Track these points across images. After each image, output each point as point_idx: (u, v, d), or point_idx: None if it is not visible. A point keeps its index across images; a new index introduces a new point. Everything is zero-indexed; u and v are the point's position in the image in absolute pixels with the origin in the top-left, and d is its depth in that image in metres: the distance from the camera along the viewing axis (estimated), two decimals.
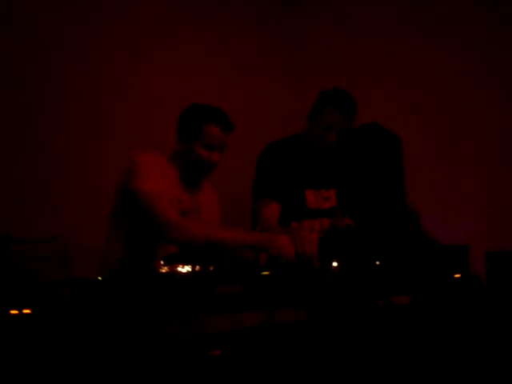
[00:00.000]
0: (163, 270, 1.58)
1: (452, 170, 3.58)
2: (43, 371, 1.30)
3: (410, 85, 3.74)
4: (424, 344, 1.80)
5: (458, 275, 2.23)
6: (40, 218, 2.85)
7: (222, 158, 2.36)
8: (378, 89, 3.79)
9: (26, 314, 1.41)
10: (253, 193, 2.67)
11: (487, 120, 3.54)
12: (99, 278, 1.60)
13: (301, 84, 3.99)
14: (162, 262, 1.60)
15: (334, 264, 1.98)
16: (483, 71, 3.56)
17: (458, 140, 3.60)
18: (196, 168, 2.32)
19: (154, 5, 3.47)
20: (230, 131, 2.32)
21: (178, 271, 1.57)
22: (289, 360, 1.43)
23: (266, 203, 2.59)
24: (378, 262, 2.11)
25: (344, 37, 3.99)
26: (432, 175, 3.59)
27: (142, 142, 3.05)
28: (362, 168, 3.39)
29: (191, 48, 3.56)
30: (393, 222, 3.35)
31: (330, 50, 4.03)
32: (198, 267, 1.61)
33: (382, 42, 3.85)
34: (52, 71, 3.05)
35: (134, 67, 3.31)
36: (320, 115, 2.62)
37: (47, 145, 2.99)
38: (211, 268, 1.62)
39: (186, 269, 1.58)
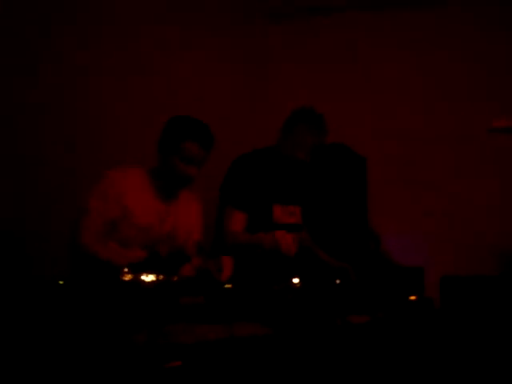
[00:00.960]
0: (127, 278, 1.58)
1: (413, 192, 3.67)
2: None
3: (375, 108, 3.82)
4: (379, 362, 1.83)
5: (413, 297, 2.28)
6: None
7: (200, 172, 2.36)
8: (341, 102, 3.85)
9: None
10: (220, 199, 2.68)
11: (444, 144, 3.65)
12: (60, 282, 1.58)
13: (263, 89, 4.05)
14: (125, 270, 1.59)
15: (296, 281, 2.01)
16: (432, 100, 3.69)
17: (419, 164, 3.69)
18: (172, 180, 2.32)
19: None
20: (210, 148, 2.31)
21: (141, 280, 1.57)
22: (248, 373, 1.44)
23: (234, 213, 2.61)
24: (338, 281, 2.15)
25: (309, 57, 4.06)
26: (393, 197, 3.67)
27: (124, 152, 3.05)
28: (327, 187, 3.44)
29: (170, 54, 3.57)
30: (354, 241, 3.41)
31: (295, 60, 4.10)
32: (161, 276, 1.61)
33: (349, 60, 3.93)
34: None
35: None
36: (291, 133, 2.66)
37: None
38: (175, 278, 1.62)
39: (150, 278, 1.58)
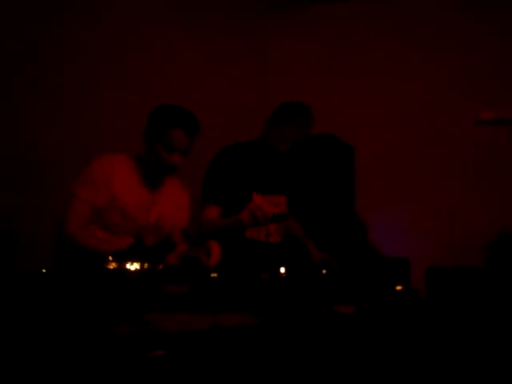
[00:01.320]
0: (111, 266, 1.56)
1: (401, 182, 3.67)
2: None
3: (365, 96, 3.82)
4: (364, 352, 1.83)
5: (399, 287, 2.29)
6: None
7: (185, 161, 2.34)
8: (334, 96, 3.85)
9: None
10: (201, 196, 2.68)
11: (434, 131, 3.65)
12: (43, 270, 1.56)
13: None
14: (110, 258, 1.57)
15: (282, 270, 2.00)
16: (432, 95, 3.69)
17: (407, 153, 3.69)
18: (156, 168, 2.30)
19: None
20: (195, 136, 2.29)
21: (126, 268, 1.55)
22: (234, 364, 1.43)
23: (209, 206, 2.62)
24: (324, 271, 2.15)
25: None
26: (381, 186, 3.67)
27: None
28: (314, 177, 3.44)
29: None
30: (341, 232, 3.41)
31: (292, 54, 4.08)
32: (146, 265, 1.59)
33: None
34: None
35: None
36: (278, 125, 2.66)
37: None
38: (160, 267, 1.61)
39: (135, 266, 1.56)
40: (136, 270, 1.55)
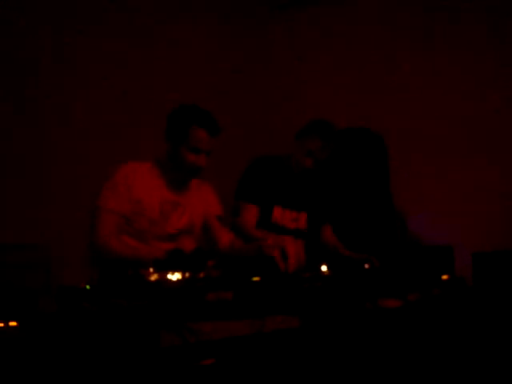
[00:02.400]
0: (153, 278, 1.55)
1: (437, 169, 3.59)
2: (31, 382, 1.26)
3: (396, 84, 3.77)
4: (416, 345, 1.80)
5: (445, 277, 2.24)
6: (22, 225, 2.81)
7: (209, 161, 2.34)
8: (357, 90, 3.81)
9: (13, 326, 1.37)
10: (236, 195, 2.75)
11: (472, 116, 3.56)
12: (87, 287, 1.57)
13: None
14: (151, 270, 1.57)
15: (324, 268, 1.97)
16: (458, 73, 3.61)
17: (443, 139, 3.61)
18: (182, 170, 2.29)
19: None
20: (217, 135, 2.29)
21: (167, 279, 1.55)
22: (283, 368, 1.41)
23: (247, 207, 2.69)
24: (367, 266, 2.11)
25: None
26: (419, 174, 3.61)
27: (127, 147, 3.06)
28: (349, 172, 3.43)
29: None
30: (381, 225, 3.37)
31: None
32: (187, 274, 1.59)
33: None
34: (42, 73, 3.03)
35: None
36: (304, 140, 2.71)
37: (34, 152, 2.98)
38: (201, 275, 1.60)
39: (176, 276, 1.55)
40: (178, 280, 1.54)
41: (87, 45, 3.21)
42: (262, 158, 2.83)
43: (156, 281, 1.54)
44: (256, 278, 1.65)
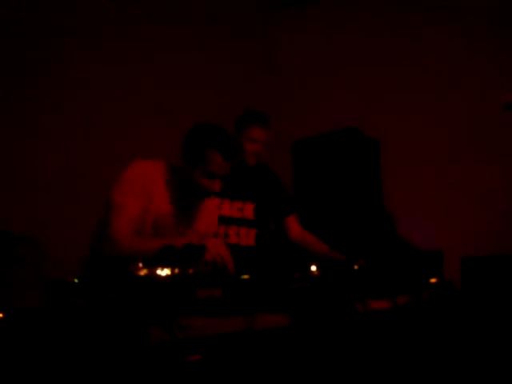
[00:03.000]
0: (142, 273, 1.54)
1: (427, 172, 3.60)
2: (20, 376, 1.26)
3: (396, 84, 3.78)
4: (405, 347, 1.80)
5: (433, 280, 2.24)
6: (18, 218, 2.81)
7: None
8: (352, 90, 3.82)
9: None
10: None
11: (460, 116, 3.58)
12: (75, 281, 1.56)
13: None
14: (140, 265, 1.56)
15: (313, 268, 1.97)
16: (458, 73, 3.62)
17: (433, 141, 3.62)
18: (193, 191, 2.25)
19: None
20: (233, 160, 2.25)
21: (156, 274, 1.54)
22: (271, 365, 1.41)
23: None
24: (356, 267, 2.11)
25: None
26: (408, 178, 3.62)
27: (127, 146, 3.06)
28: (340, 172, 3.42)
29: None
30: (371, 227, 3.37)
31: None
32: (177, 270, 1.58)
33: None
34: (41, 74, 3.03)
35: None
36: (240, 137, 2.71)
37: (33, 146, 2.97)
38: (191, 271, 1.59)
39: (166, 271, 1.55)
40: (167, 276, 1.53)
41: (87, 45, 3.21)
42: None
43: (145, 276, 1.53)
44: (245, 276, 1.65)
